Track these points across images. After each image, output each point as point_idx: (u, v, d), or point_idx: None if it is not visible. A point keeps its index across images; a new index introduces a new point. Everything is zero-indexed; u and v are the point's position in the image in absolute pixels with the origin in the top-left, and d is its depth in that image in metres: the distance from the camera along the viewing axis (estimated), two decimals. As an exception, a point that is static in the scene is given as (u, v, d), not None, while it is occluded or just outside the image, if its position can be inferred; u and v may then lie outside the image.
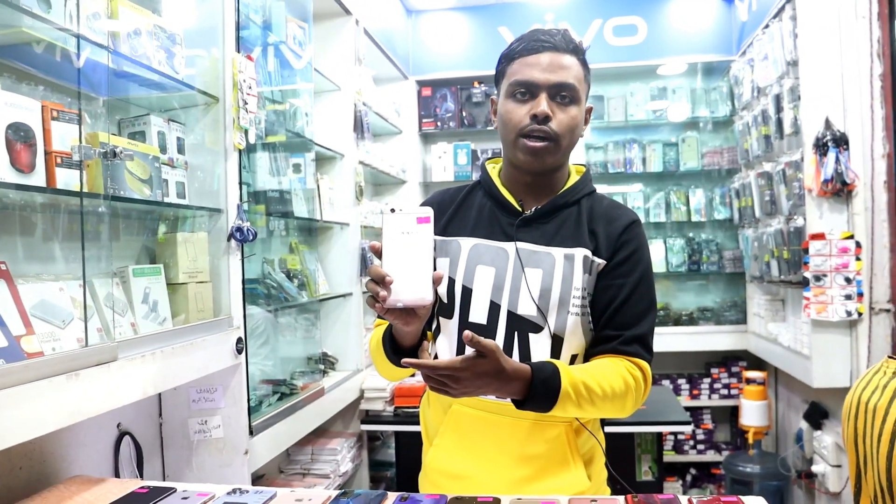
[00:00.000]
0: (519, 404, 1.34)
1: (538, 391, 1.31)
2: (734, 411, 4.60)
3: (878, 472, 1.60)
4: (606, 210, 1.56)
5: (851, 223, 3.11)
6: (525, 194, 1.55)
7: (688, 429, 3.16)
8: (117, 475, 1.94)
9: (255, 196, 2.62)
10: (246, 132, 2.15)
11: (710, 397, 4.67)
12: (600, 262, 1.50)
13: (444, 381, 1.25)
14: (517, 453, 1.50)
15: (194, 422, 2.12)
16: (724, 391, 4.65)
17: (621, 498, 1.38)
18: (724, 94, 4.63)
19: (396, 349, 1.46)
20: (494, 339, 1.47)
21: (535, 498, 1.38)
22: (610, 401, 1.39)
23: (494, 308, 1.48)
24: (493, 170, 1.64)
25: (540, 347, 1.47)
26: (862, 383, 1.77)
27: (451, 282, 1.51)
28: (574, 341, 1.48)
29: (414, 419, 3.31)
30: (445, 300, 1.52)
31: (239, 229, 2.09)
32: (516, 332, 1.47)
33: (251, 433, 2.18)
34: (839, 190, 3.07)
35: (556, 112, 1.45)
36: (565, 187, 1.56)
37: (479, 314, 1.49)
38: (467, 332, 1.21)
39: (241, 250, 2.16)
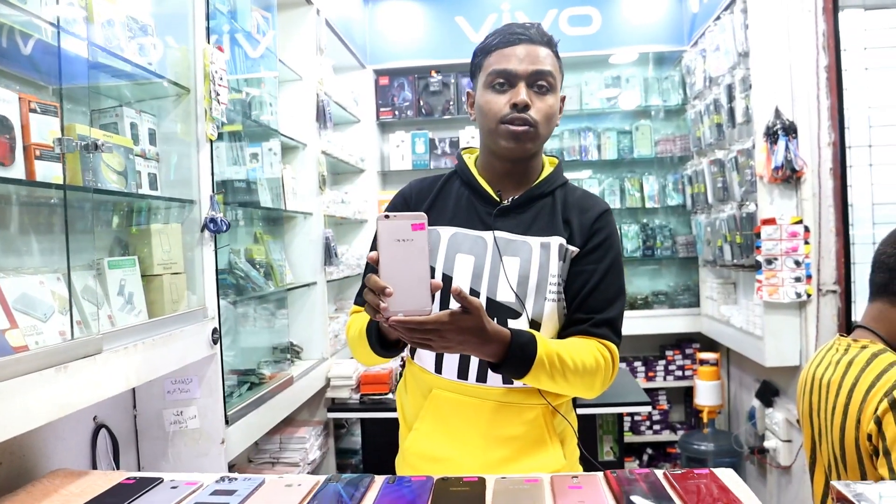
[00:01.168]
0: (494, 367, 1.39)
1: (515, 355, 1.36)
2: (689, 392, 4.74)
3: (833, 443, 1.70)
4: (579, 200, 1.61)
5: (800, 208, 3.24)
6: (502, 184, 1.60)
7: (646, 409, 3.26)
8: (95, 468, 1.93)
9: (217, 186, 2.59)
10: (217, 121, 2.15)
11: (665, 379, 4.80)
12: (574, 249, 1.55)
13: (429, 335, 1.27)
14: (496, 435, 1.54)
15: (170, 413, 2.12)
16: (679, 373, 4.79)
17: (600, 473, 1.43)
18: (675, 84, 4.74)
19: (384, 342, 1.49)
20: None
21: (518, 476, 1.43)
22: (580, 376, 1.44)
23: (474, 295, 1.51)
24: (470, 160, 1.68)
25: None
26: (815, 360, 1.87)
27: (432, 270, 1.53)
28: (551, 326, 1.53)
29: (379, 406, 3.35)
30: None
31: (213, 220, 2.09)
32: (495, 318, 1.50)
33: (227, 423, 2.19)
34: (789, 177, 3.19)
35: (535, 101, 1.50)
36: (540, 178, 1.62)
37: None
38: (456, 286, 1.25)
39: (215, 241, 2.16)
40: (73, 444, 1.85)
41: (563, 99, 1.61)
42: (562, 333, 1.54)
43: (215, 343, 2.11)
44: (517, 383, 1.52)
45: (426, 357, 1.58)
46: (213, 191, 2.15)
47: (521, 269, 1.51)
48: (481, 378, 1.53)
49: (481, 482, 1.39)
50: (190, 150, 2.10)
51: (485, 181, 1.61)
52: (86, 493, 1.45)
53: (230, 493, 1.40)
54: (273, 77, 3.02)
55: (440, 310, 1.52)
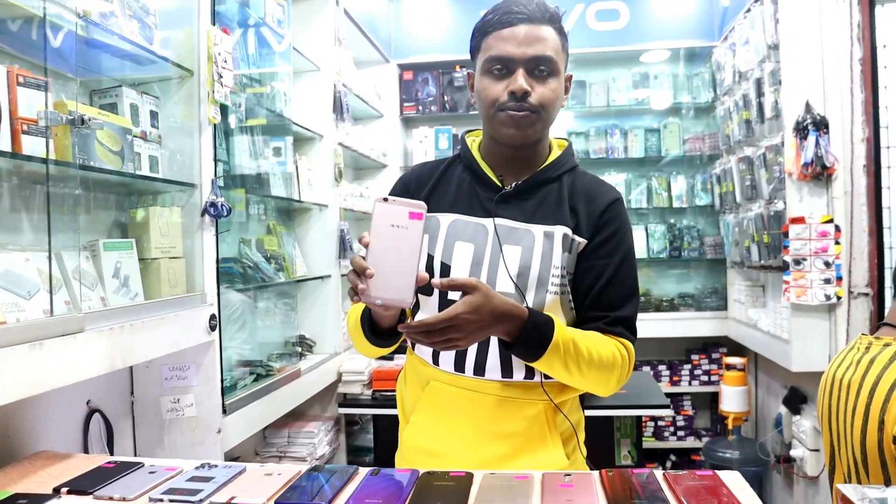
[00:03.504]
0: (508, 346, 1.35)
1: (531, 334, 1.32)
2: (714, 397, 4.62)
3: (853, 446, 1.60)
4: (588, 186, 1.53)
5: (831, 207, 3.12)
6: (505, 169, 1.53)
7: (667, 413, 3.16)
8: (86, 452, 1.90)
9: (233, 179, 2.59)
10: (222, 107, 2.11)
11: (690, 384, 4.68)
12: (581, 240, 1.48)
13: (448, 333, 1.25)
14: (495, 431, 1.48)
15: (167, 400, 2.09)
16: (705, 377, 4.67)
17: (595, 472, 1.36)
18: (706, 81, 4.62)
19: (375, 330, 1.45)
20: None
21: (508, 473, 1.36)
22: (597, 369, 1.38)
23: None
24: (473, 143, 1.61)
25: None
26: (836, 361, 1.78)
27: (430, 258, 1.49)
28: None
29: (392, 402, 3.28)
30: None
31: (213, 204, 2.05)
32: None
33: (224, 412, 2.16)
34: (819, 174, 3.07)
35: (535, 86, 1.42)
36: (546, 162, 1.54)
37: (458, 293, 1.47)
38: (438, 280, 1.25)
39: (216, 226, 2.13)
40: (62, 428, 1.82)
41: (569, 78, 1.53)
42: (582, 325, 1.48)
43: (213, 330, 2.07)
44: (516, 377, 1.47)
45: (425, 348, 1.52)
46: (216, 175, 2.11)
47: (522, 259, 1.45)
48: (479, 371, 1.48)
49: (468, 477, 1.33)
50: (192, 134, 2.07)
51: (487, 166, 1.54)
52: (65, 475, 1.42)
53: (207, 479, 1.36)
54: (288, 69, 2.99)
55: (439, 302, 1.47)
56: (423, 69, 4.81)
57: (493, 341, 1.46)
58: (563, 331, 1.35)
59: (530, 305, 1.43)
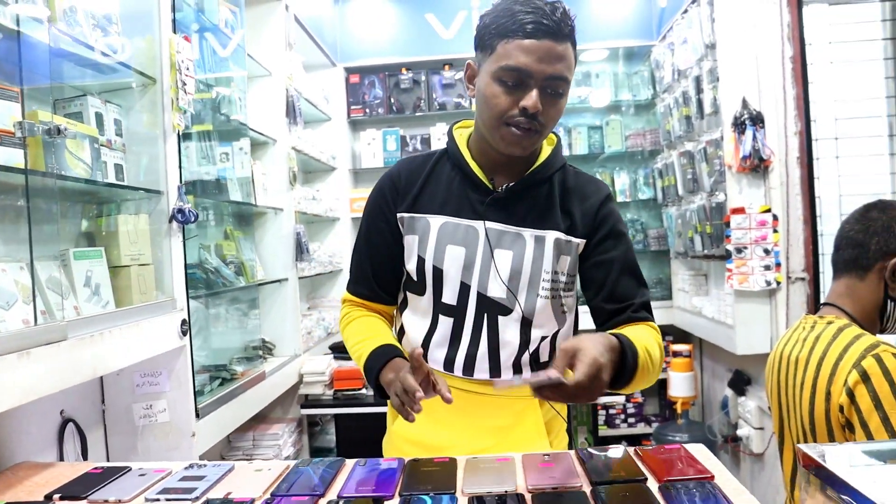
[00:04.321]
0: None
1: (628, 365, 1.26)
2: (662, 384, 4.77)
3: (802, 418, 1.72)
4: (579, 186, 1.53)
5: (768, 197, 3.28)
6: (496, 169, 1.51)
7: (620, 399, 3.28)
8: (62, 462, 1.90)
9: (187, 186, 2.58)
10: (185, 113, 2.13)
11: (638, 372, 4.80)
12: (578, 241, 1.49)
13: (579, 393, 1.14)
14: (484, 425, 1.53)
15: (139, 406, 2.10)
16: (653, 365, 4.80)
17: (571, 451, 1.44)
18: (645, 79, 4.77)
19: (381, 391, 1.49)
20: (464, 320, 1.49)
21: (489, 456, 1.43)
22: (658, 365, 1.39)
23: (465, 289, 1.48)
24: (462, 137, 1.57)
25: (510, 330, 1.49)
26: (783, 339, 1.90)
27: (422, 261, 1.50)
28: (544, 324, 1.50)
29: (354, 402, 3.34)
30: (415, 278, 1.52)
31: (181, 211, 2.07)
32: (486, 314, 1.49)
33: (198, 416, 2.17)
34: (756, 166, 3.23)
35: (545, 105, 1.37)
36: (537, 163, 1.51)
37: (449, 295, 1.49)
38: (555, 373, 1.13)
39: (183, 232, 2.14)
40: (39, 439, 1.82)
41: None
42: (602, 327, 1.48)
43: (184, 335, 2.09)
44: (504, 376, 1.51)
45: (416, 342, 1.56)
46: (181, 181, 2.13)
47: (513, 263, 1.46)
48: (468, 372, 1.51)
49: (452, 462, 1.40)
50: (157, 141, 2.08)
51: (477, 166, 1.51)
52: (51, 483, 1.43)
53: (199, 478, 1.39)
54: (243, 74, 3.00)
55: (433, 303, 1.51)
56: (369, 72, 4.84)
57: (483, 343, 1.49)
58: (641, 348, 1.30)
59: (521, 309, 1.47)
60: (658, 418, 4.87)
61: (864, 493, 0.81)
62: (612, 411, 4.81)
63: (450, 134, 1.59)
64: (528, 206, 1.49)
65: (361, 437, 3.35)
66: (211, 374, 2.63)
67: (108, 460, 2.11)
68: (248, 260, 3.07)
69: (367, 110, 4.85)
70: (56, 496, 1.34)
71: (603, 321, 1.48)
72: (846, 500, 0.85)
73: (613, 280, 1.47)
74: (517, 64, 1.33)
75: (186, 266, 2.18)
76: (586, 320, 1.55)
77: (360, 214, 4.71)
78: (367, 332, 1.56)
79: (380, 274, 1.60)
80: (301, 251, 3.46)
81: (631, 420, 4.83)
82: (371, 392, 3.36)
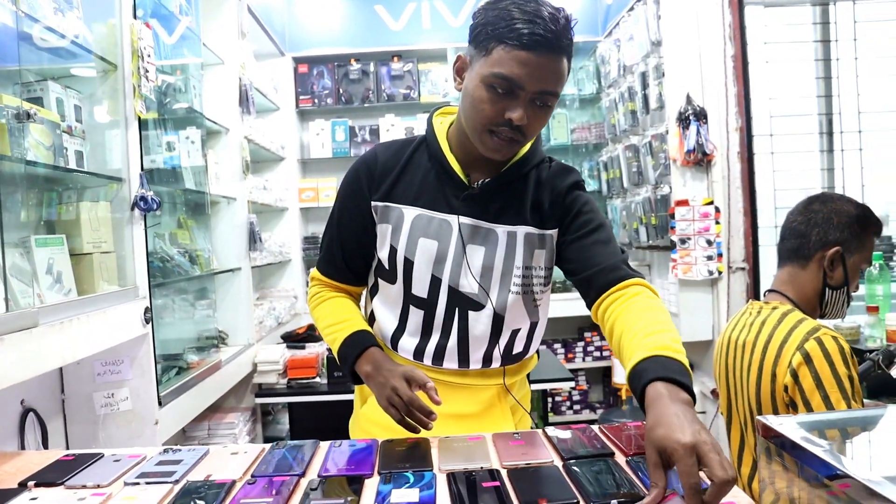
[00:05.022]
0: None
1: (689, 388, 1.13)
2: (607, 371, 4.90)
3: (748, 399, 1.82)
4: (551, 178, 1.51)
5: (711, 190, 3.42)
6: (474, 163, 1.49)
7: (568, 386, 3.37)
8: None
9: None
10: (146, 100, 2.11)
11: (584, 360, 4.93)
12: (551, 232, 1.50)
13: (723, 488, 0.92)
14: (451, 412, 1.53)
15: (100, 395, 2.08)
16: (597, 353, 4.93)
17: (539, 430, 1.49)
18: (590, 73, 4.87)
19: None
20: (434, 314, 1.50)
21: (461, 436, 1.46)
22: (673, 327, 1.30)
23: (435, 282, 1.49)
24: (441, 127, 1.54)
25: (480, 324, 1.50)
26: (731, 325, 2.01)
27: (394, 250, 1.50)
28: (515, 318, 1.52)
29: (308, 389, 3.35)
30: (387, 266, 1.52)
31: (143, 198, 2.06)
32: (457, 309, 1.50)
33: (160, 404, 2.17)
34: (700, 160, 3.36)
35: (531, 117, 1.34)
36: (514, 159, 1.50)
37: (420, 287, 1.50)
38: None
39: (145, 220, 2.13)
40: (1, 429, 1.80)
41: None
42: (596, 292, 1.40)
43: (147, 322, 2.08)
44: (473, 367, 1.53)
45: (386, 330, 1.57)
46: (143, 168, 2.11)
47: (485, 259, 1.47)
48: (437, 361, 1.53)
49: (425, 441, 1.43)
50: (118, 128, 2.06)
51: (455, 160, 1.49)
52: (22, 472, 1.41)
53: (176, 462, 1.39)
54: (198, 62, 2.98)
55: (403, 292, 1.52)
56: (318, 62, 4.83)
57: (453, 336, 1.51)
58: (673, 345, 1.21)
59: (493, 305, 1.48)
60: (602, 405, 5.00)
61: (819, 455, 0.90)
62: (557, 398, 4.92)
63: (429, 122, 1.56)
64: (503, 203, 1.49)
65: (315, 426, 3.37)
66: (167, 364, 2.62)
67: (67, 449, 2.09)
68: (202, 249, 3.06)
69: (316, 100, 4.83)
70: (31, 483, 1.33)
71: (599, 289, 1.39)
72: (801, 465, 0.94)
73: (598, 251, 1.42)
74: (510, 74, 1.28)
75: (148, 254, 2.17)
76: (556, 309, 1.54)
77: (308, 204, 4.65)
78: (340, 314, 1.57)
79: (349, 257, 1.60)
80: (254, 241, 3.45)
81: (576, 407, 4.95)
82: (325, 381, 3.40)
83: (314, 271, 1.67)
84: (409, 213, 1.50)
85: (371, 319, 1.64)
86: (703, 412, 3.63)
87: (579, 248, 1.45)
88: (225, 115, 3.32)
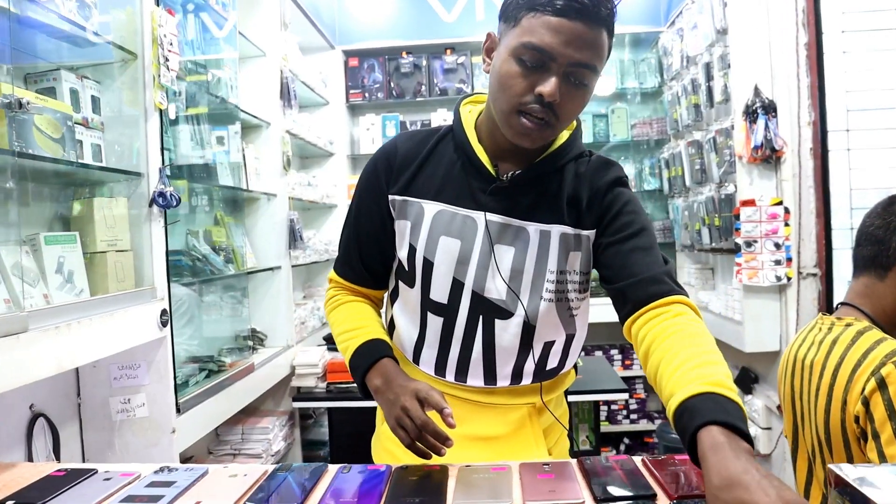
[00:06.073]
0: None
1: (747, 435, 0.97)
2: (665, 380, 4.67)
3: (817, 426, 1.60)
4: (591, 173, 1.34)
5: (780, 189, 3.17)
6: (504, 154, 1.34)
7: (623, 397, 3.17)
8: (31, 461, 1.79)
9: (178, 169, 2.48)
10: (167, 91, 2.01)
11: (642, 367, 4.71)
12: (588, 233, 1.33)
13: None
14: (478, 434, 1.41)
15: (116, 400, 1.99)
16: (656, 361, 4.70)
17: (574, 461, 1.33)
18: (652, 66, 4.65)
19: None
20: (455, 322, 1.36)
21: (484, 465, 1.32)
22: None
23: (457, 286, 1.34)
24: (470, 116, 1.39)
25: (508, 334, 1.35)
26: (797, 341, 1.78)
27: (413, 249, 1.36)
28: (548, 329, 1.36)
29: (347, 395, 3.23)
30: (406, 267, 1.39)
31: (161, 194, 1.96)
32: (481, 317, 1.34)
33: (178, 411, 2.07)
34: (768, 157, 3.12)
35: (565, 95, 1.19)
36: (550, 150, 1.34)
37: (439, 292, 1.35)
38: None
39: (164, 217, 2.03)
40: (4, 435, 1.71)
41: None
42: (629, 308, 1.24)
43: (164, 325, 1.98)
44: (500, 384, 1.39)
45: (407, 340, 1.44)
46: (163, 163, 2.01)
47: (514, 262, 1.31)
48: (460, 377, 1.39)
49: (443, 470, 1.28)
50: (138, 120, 1.96)
51: (483, 150, 1.34)
52: (9, 487, 1.31)
53: (168, 484, 1.28)
54: (234, 56, 2.88)
55: (416, 286, 1.38)
56: (368, 55, 4.73)
57: (477, 347, 1.36)
58: (727, 381, 1.04)
59: (524, 313, 1.32)
60: (661, 415, 4.78)
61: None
62: (613, 407, 4.71)
63: (456, 111, 1.41)
64: (535, 198, 1.33)
65: (356, 432, 3.23)
66: (199, 366, 2.53)
67: (83, 459, 2.01)
68: (239, 247, 2.96)
69: (367, 95, 4.73)
70: (9, 503, 1.23)
71: (623, 304, 1.25)
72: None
73: (639, 256, 1.24)
74: (540, 43, 1.15)
75: (168, 253, 2.07)
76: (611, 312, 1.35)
77: (358, 201, 4.49)
78: (354, 321, 1.43)
79: (368, 258, 1.46)
80: (294, 238, 3.35)
81: (633, 416, 4.74)
82: (366, 385, 3.27)
83: (332, 273, 1.54)
84: (430, 208, 1.35)
85: (391, 327, 1.51)
86: (769, 428, 3.38)
87: (615, 253, 1.27)
88: (265, 109, 3.22)
